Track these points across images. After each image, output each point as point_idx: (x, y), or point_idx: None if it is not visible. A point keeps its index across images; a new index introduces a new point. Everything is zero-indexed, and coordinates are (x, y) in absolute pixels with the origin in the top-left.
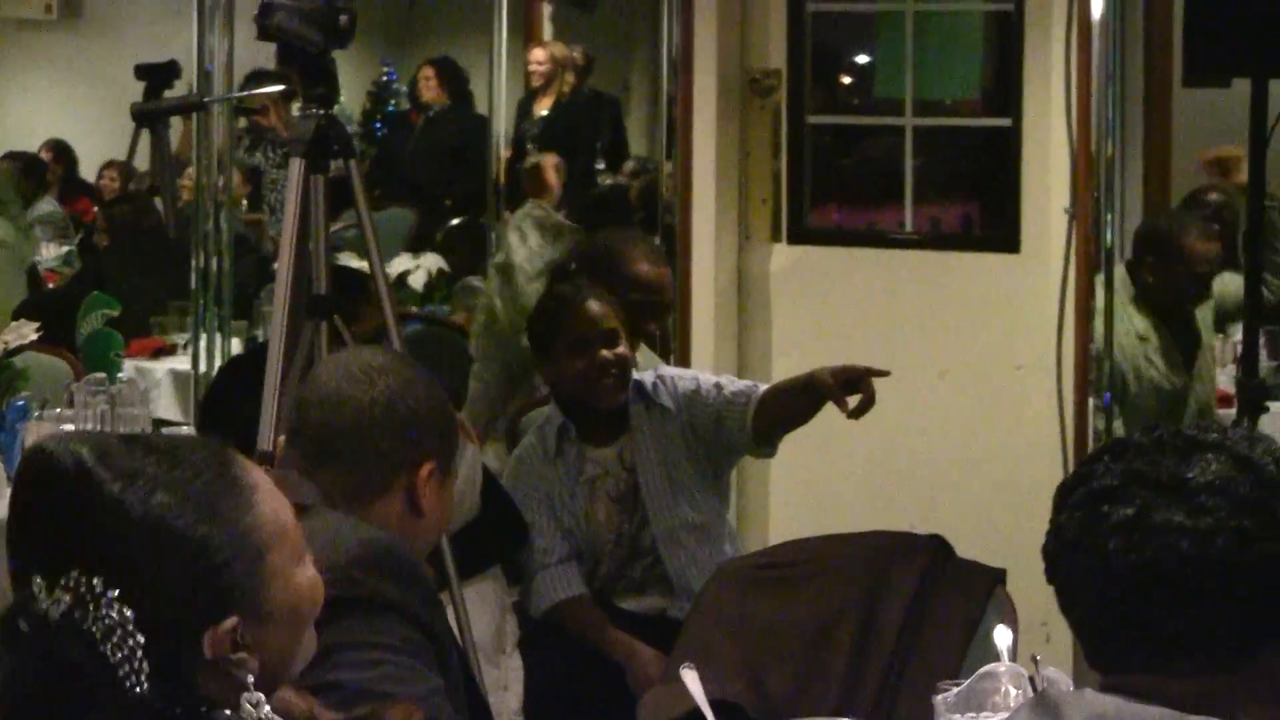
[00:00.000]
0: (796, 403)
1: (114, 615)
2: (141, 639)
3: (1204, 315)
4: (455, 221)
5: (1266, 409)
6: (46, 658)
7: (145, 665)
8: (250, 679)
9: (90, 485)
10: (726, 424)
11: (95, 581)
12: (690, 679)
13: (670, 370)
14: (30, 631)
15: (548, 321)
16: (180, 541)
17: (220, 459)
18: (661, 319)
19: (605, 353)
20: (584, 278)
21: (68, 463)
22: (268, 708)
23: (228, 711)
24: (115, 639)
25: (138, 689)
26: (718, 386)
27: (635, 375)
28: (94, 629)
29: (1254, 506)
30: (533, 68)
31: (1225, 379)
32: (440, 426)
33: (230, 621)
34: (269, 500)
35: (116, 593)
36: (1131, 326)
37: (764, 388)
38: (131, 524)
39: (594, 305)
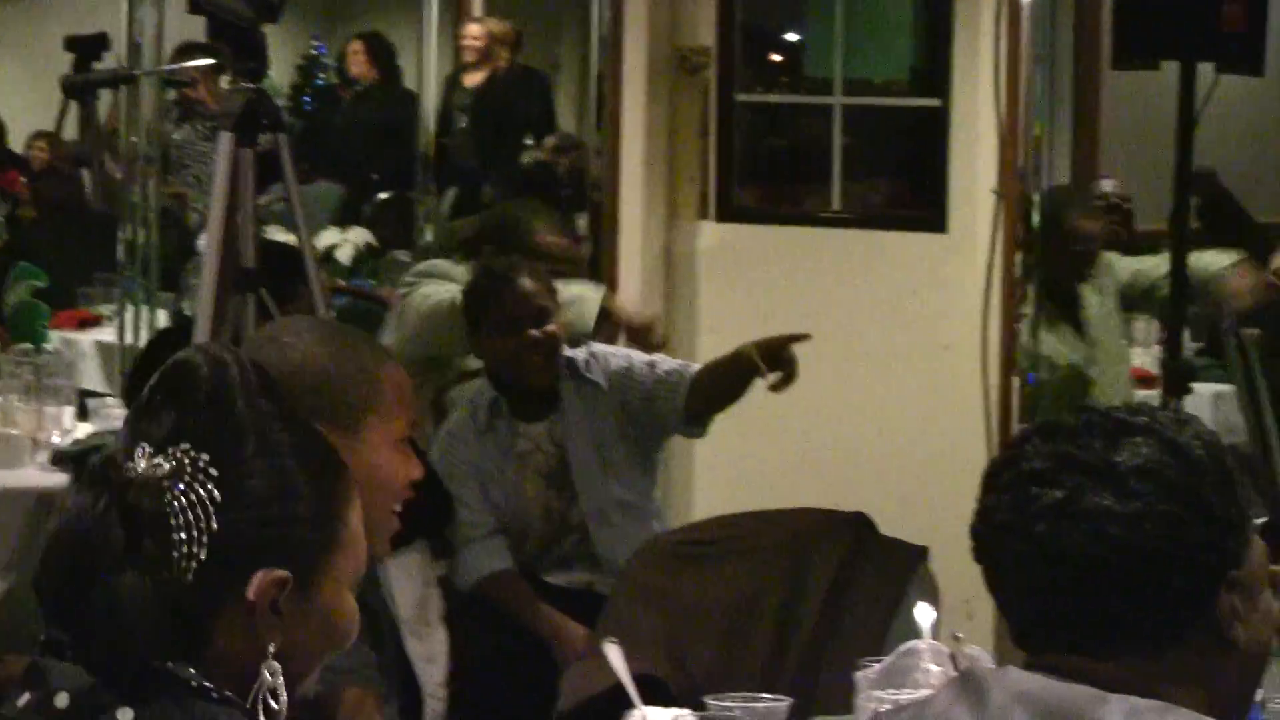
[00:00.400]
0: (726, 380)
1: (202, 491)
2: (216, 526)
3: (1099, 299)
4: (383, 196)
5: (1191, 390)
6: (117, 501)
7: (202, 554)
8: (271, 648)
9: (226, 388)
10: (658, 403)
11: (202, 459)
12: (613, 654)
13: (603, 347)
14: (113, 477)
15: (480, 298)
16: (282, 472)
17: (343, 459)
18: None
19: (534, 331)
20: (516, 256)
21: (207, 368)
22: (282, 678)
23: (207, 685)
24: (192, 514)
25: (188, 571)
26: (650, 365)
27: (567, 352)
28: (178, 499)
29: (1182, 491)
30: (467, 42)
31: (1150, 360)
32: (326, 385)
33: (284, 573)
34: (357, 515)
35: (217, 473)
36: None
37: (696, 367)
38: (250, 436)
39: (526, 283)
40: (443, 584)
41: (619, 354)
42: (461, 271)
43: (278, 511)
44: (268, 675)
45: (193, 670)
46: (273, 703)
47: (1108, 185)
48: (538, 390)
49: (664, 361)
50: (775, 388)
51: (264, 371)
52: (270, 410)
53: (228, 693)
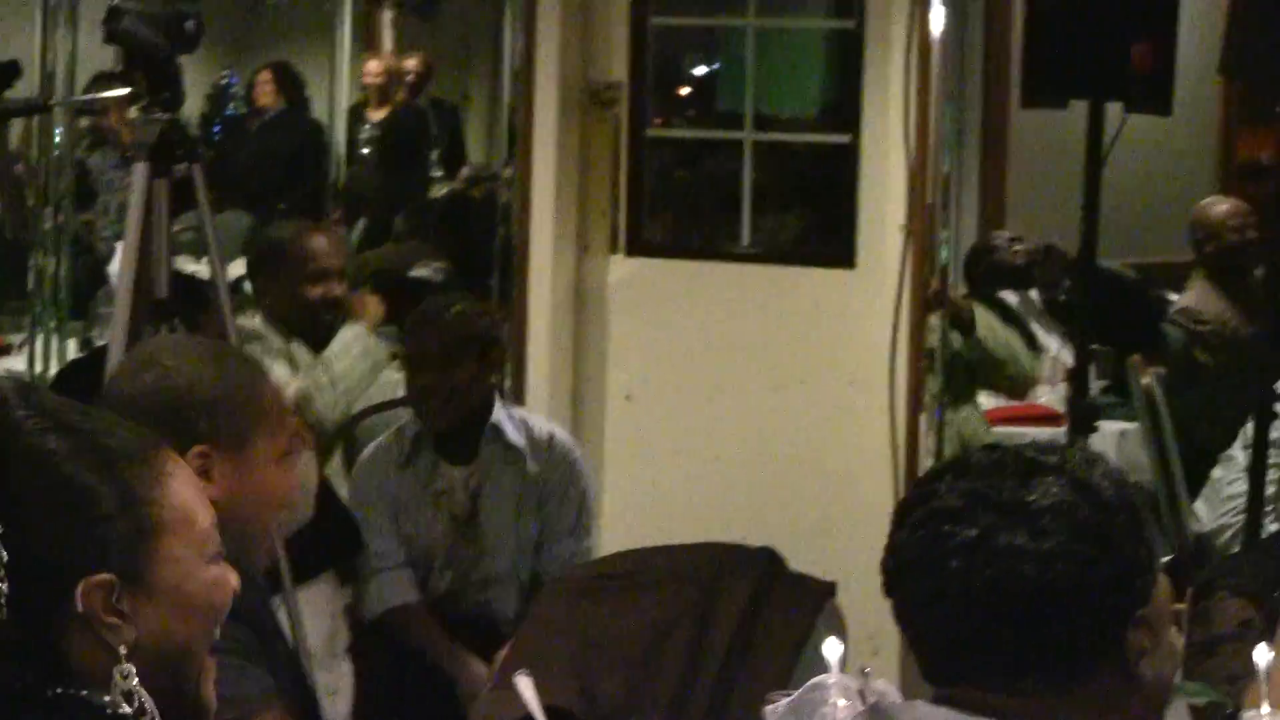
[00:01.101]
0: None
1: None
2: (6, 556)
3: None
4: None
5: (1096, 428)
6: None
7: (4, 586)
8: (123, 650)
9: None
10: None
11: None
12: (524, 685)
13: (530, 415)
14: None
15: (410, 332)
16: (62, 484)
17: (150, 442)
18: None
19: (429, 377)
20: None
21: None
22: (136, 680)
23: (84, 692)
24: None
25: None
26: (574, 481)
27: (495, 415)
28: None
29: (1093, 531)
30: (368, 80)
31: (1057, 398)
32: (215, 405)
33: (105, 576)
34: (182, 490)
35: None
36: None
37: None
38: (19, 456)
39: (432, 331)
40: (348, 613)
41: (566, 468)
42: (259, 324)
43: (72, 520)
44: (119, 678)
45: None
46: (126, 706)
47: (1000, 238)
48: (464, 433)
49: (579, 493)
50: None
51: (19, 383)
52: (35, 423)
53: (75, 691)
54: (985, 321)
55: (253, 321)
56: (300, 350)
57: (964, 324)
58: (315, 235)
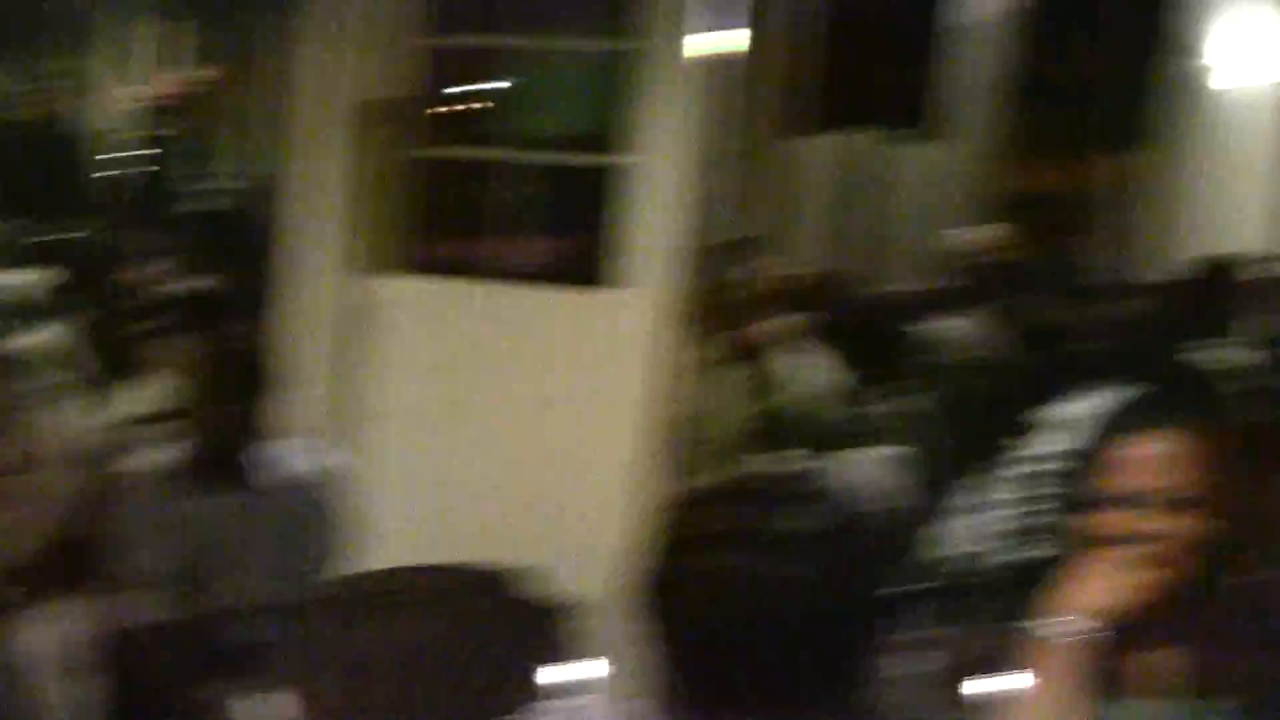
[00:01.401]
0: None
1: None
2: None
3: None
4: (59, 236)
5: (858, 452)
6: None
7: None
8: None
9: None
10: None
11: None
12: (285, 708)
13: (325, 483)
14: None
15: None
16: None
17: None
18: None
19: (192, 408)
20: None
21: None
22: None
23: None
24: None
25: None
26: (315, 572)
27: (274, 446)
28: None
29: (848, 557)
30: (148, 98)
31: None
32: None
33: None
34: None
35: None
36: None
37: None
38: None
39: (201, 364)
40: (101, 628)
41: (311, 460)
42: (70, 341)
43: None
44: None
45: None
46: None
47: (769, 263)
48: (231, 460)
49: (330, 528)
50: None
51: None
52: None
53: None
54: (799, 374)
55: (62, 336)
56: (102, 387)
57: (772, 382)
58: (162, 260)
